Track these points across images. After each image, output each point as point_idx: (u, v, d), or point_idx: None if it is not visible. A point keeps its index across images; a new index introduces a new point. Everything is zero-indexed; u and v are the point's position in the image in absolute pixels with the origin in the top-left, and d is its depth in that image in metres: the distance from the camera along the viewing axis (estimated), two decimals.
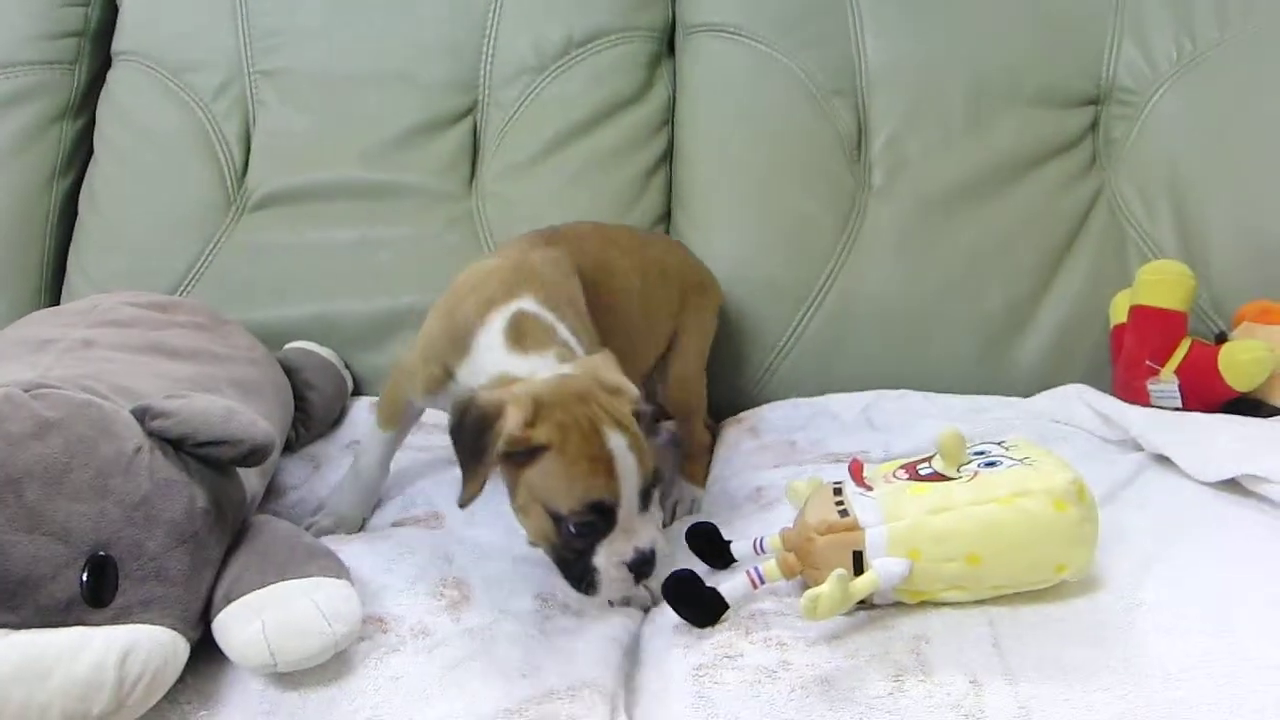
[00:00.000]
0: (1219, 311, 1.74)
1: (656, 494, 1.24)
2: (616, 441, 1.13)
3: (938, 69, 1.87)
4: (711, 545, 1.26)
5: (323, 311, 1.78)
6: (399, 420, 1.42)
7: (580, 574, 1.15)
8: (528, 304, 1.26)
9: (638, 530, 1.15)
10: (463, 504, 1.15)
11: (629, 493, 1.14)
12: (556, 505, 1.13)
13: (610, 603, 1.22)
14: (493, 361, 1.23)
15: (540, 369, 1.20)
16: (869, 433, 1.61)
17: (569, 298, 1.32)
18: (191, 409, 1.08)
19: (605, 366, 1.21)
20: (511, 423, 1.11)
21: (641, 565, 1.16)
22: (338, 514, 1.39)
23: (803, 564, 1.14)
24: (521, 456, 1.13)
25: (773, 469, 1.51)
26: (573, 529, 1.13)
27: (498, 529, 1.30)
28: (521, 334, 1.23)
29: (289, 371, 1.59)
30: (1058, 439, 1.53)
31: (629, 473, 1.14)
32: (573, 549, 1.15)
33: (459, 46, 1.92)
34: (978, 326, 1.76)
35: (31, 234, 1.90)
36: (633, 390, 1.20)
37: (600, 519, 1.14)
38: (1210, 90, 1.83)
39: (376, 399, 1.68)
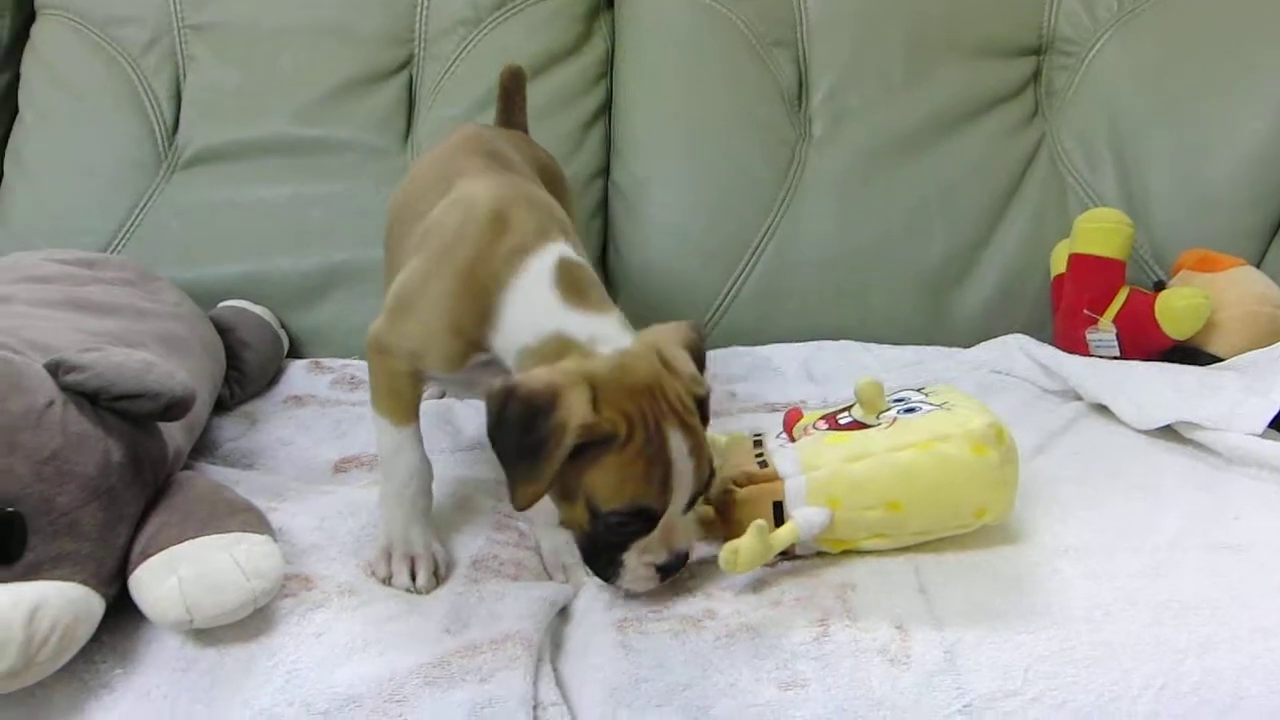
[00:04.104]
0: (1159, 261, 1.74)
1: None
2: (678, 445, 1.02)
3: (878, 19, 1.86)
4: None
5: (256, 270, 1.76)
6: (414, 408, 1.17)
7: (605, 564, 1.06)
8: (564, 249, 1.09)
9: (676, 531, 1.05)
10: (522, 508, 1.02)
11: (679, 501, 1.04)
12: (598, 501, 1.02)
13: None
14: (543, 318, 1.07)
15: (603, 333, 1.06)
16: (809, 384, 1.60)
17: (577, 241, 1.15)
18: (107, 362, 1.05)
19: (669, 341, 1.08)
20: (578, 410, 0.98)
21: (672, 568, 1.06)
22: (405, 546, 1.13)
23: (723, 518, 1.12)
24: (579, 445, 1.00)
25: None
26: (607, 527, 1.04)
27: (439, 493, 1.27)
28: (574, 286, 1.08)
29: (222, 330, 1.56)
30: (998, 389, 1.54)
31: (684, 480, 1.03)
32: (605, 542, 1.05)
33: None
34: (918, 277, 1.76)
35: None
36: (694, 370, 1.07)
37: (640, 523, 1.04)
38: (1150, 40, 1.82)
39: (310, 361, 1.68)
